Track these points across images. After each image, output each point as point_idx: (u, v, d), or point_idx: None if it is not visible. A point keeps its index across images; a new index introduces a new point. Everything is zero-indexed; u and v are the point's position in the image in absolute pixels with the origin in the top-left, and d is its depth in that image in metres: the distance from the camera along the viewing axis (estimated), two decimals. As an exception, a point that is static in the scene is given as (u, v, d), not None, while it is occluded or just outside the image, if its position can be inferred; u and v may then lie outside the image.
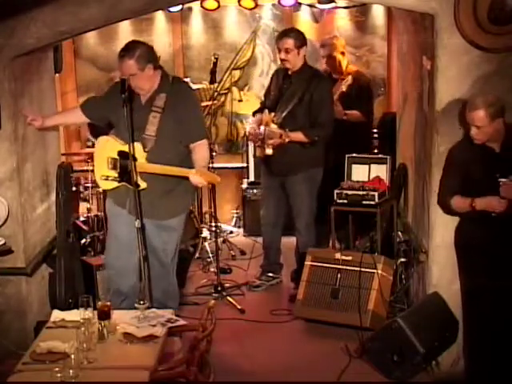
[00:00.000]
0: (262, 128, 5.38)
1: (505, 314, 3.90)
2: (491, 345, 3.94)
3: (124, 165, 4.22)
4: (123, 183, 4.27)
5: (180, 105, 4.25)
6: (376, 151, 6.54)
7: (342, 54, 6.16)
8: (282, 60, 5.40)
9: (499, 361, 3.92)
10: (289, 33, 5.45)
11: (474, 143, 3.88)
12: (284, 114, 5.33)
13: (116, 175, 4.30)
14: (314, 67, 5.73)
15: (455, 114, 4.13)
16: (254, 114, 5.75)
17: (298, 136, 5.28)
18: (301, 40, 5.36)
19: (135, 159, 4.13)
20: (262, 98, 5.94)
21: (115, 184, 4.32)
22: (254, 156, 6.58)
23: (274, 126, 5.33)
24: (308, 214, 5.49)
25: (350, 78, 5.94)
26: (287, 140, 5.20)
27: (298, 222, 5.53)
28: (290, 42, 5.31)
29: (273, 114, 5.38)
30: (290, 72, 5.42)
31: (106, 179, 4.35)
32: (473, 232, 4.01)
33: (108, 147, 4.34)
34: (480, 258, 3.94)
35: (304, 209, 5.46)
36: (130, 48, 4.18)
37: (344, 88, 5.91)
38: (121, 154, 4.24)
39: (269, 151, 5.36)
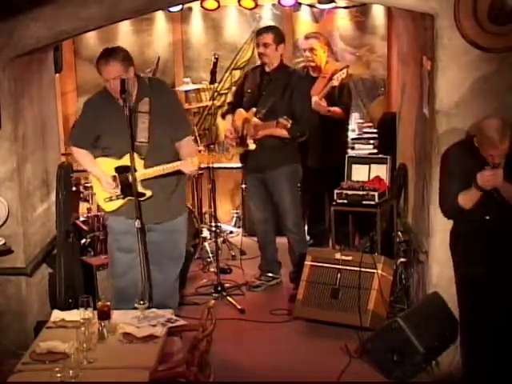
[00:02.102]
0: (240, 125, 5.46)
1: (502, 314, 3.90)
2: (488, 343, 3.94)
3: (124, 179, 4.19)
4: (128, 198, 4.21)
5: (165, 106, 4.23)
6: (376, 151, 6.57)
7: (324, 50, 6.14)
8: (259, 54, 5.47)
9: (497, 359, 3.93)
10: (268, 28, 5.60)
11: (476, 153, 3.86)
12: (265, 110, 5.37)
13: (119, 192, 4.25)
14: (291, 67, 5.86)
15: (455, 114, 4.13)
16: (224, 115, 5.79)
17: (281, 131, 5.32)
18: (280, 37, 5.46)
19: (135, 170, 4.11)
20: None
21: (120, 202, 4.26)
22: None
23: (257, 121, 5.38)
24: (294, 210, 5.53)
25: (345, 71, 5.93)
26: (289, 125, 5.21)
27: (286, 220, 5.56)
28: (268, 37, 5.39)
29: (254, 109, 5.41)
30: (267, 70, 5.47)
31: (110, 200, 4.28)
32: (467, 234, 4.02)
33: (103, 168, 4.27)
34: (474, 260, 3.96)
35: (289, 206, 5.49)
36: (112, 52, 4.14)
37: (336, 82, 5.89)
38: (118, 169, 4.21)
39: (252, 146, 5.40)
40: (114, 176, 4.23)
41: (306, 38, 6.18)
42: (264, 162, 5.43)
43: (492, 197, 3.82)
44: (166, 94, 4.34)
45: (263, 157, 5.41)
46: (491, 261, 3.89)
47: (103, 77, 4.13)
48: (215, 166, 5.97)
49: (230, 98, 6.95)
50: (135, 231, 4.14)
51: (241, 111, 5.54)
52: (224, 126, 5.73)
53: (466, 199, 3.90)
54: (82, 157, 4.38)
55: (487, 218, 3.91)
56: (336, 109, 5.99)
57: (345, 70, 5.93)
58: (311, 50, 6.06)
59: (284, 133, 5.31)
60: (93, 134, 4.28)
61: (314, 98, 5.76)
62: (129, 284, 4.29)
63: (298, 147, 5.55)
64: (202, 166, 4.19)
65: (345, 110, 6.08)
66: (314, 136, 5.68)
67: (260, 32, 5.54)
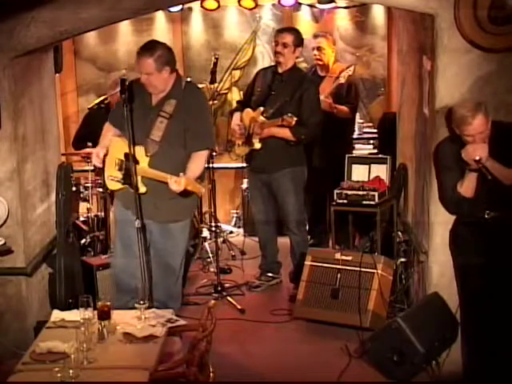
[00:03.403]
0: (247, 124, 5.44)
1: (501, 314, 3.91)
2: (489, 345, 3.94)
3: (128, 167, 4.21)
4: (126, 185, 4.27)
5: (188, 113, 4.24)
6: (376, 151, 6.57)
7: (332, 50, 6.14)
8: (276, 53, 5.44)
9: (497, 358, 3.93)
10: (290, 29, 5.62)
11: (463, 143, 3.88)
12: (273, 110, 5.35)
13: (121, 177, 4.30)
14: (303, 70, 5.88)
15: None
16: (232, 112, 5.77)
17: (286, 133, 5.30)
18: (299, 40, 5.44)
19: (137, 162, 4.14)
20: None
21: (119, 185, 4.33)
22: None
23: (263, 119, 5.37)
24: (297, 212, 5.52)
25: (352, 68, 5.94)
26: (293, 122, 5.16)
27: (288, 221, 5.56)
28: (289, 38, 5.38)
29: (261, 108, 5.40)
30: (280, 71, 5.46)
31: (113, 180, 4.36)
32: (466, 234, 4.03)
33: (118, 148, 4.31)
34: (474, 260, 3.96)
35: (292, 208, 5.49)
36: (150, 47, 4.20)
37: (343, 80, 5.90)
38: (126, 156, 4.23)
39: (257, 145, 5.39)
40: (122, 160, 4.27)
41: (315, 36, 6.19)
42: (269, 164, 5.42)
43: (487, 180, 3.81)
44: (195, 102, 4.31)
45: (268, 158, 5.39)
46: (491, 258, 3.89)
47: (137, 68, 4.23)
48: (215, 166, 5.97)
49: (236, 97, 6.97)
50: (130, 222, 4.22)
51: (248, 110, 5.51)
52: (232, 121, 5.68)
53: (465, 186, 3.91)
54: (103, 133, 4.48)
55: (487, 216, 3.91)
56: (342, 107, 5.98)
57: (352, 68, 5.95)
58: (319, 48, 6.07)
59: (288, 134, 5.30)
60: (121, 118, 4.26)
61: (321, 97, 5.77)
62: (122, 271, 4.34)
63: (304, 147, 5.55)
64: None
65: (351, 109, 6.07)
66: (319, 135, 5.69)
67: (281, 31, 5.54)
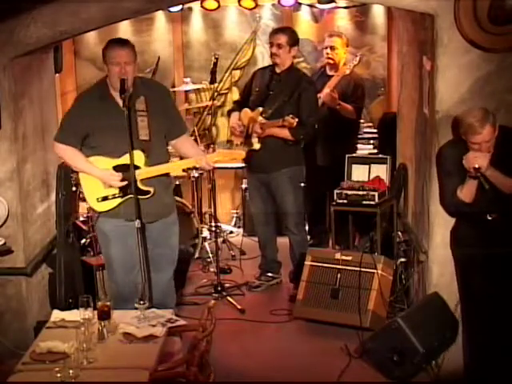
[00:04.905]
0: (245, 124, 5.45)
1: (503, 315, 3.91)
2: (490, 345, 3.94)
3: (126, 178, 4.05)
4: (128, 196, 4.08)
5: (161, 104, 4.24)
6: (376, 151, 6.57)
7: (344, 51, 6.14)
8: (272, 54, 5.45)
9: (498, 359, 3.93)
10: (284, 29, 5.59)
11: (465, 148, 3.88)
12: (271, 111, 5.35)
13: (116, 192, 4.11)
14: (301, 70, 5.87)
15: (455, 114, 4.13)
16: (230, 112, 5.77)
17: (285, 133, 5.31)
18: (294, 39, 5.44)
19: (138, 167, 4.07)
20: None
21: (118, 201, 4.13)
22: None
23: (263, 120, 5.37)
24: (296, 212, 5.52)
25: (358, 58, 5.94)
26: (295, 123, 5.16)
27: (287, 221, 5.56)
28: (283, 38, 5.38)
29: (260, 108, 5.39)
30: (278, 70, 5.46)
31: (105, 200, 4.13)
32: (468, 234, 4.03)
33: (98, 166, 4.13)
34: (475, 260, 3.96)
35: (291, 208, 5.49)
36: (126, 40, 4.27)
37: (348, 70, 5.90)
38: (116, 168, 4.09)
39: (256, 145, 5.39)
40: None
41: (330, 35, 6.17)
42: (268, 163, 5.42)
43: (485, 189, 3.81)
44: (160, 93, 4.33)
45: (267, 158, 5.39)
46: (492, 257, 3.89)
47: (115, 60, 4.12)
48: (215, 165, 5.95)
49: (236, 97, 6.95)
50: (134, 233, 4.00)
51: (247, 110, 5.51)
52: (231, 120, 5.66)
53: (464, 192, 3.92)
54: (72, 155, 4.17)
55: (489, 218, 3.92)
56: (346, 105, 5.97)
57: (357, 58, 5.94)
58: (332, 48, 6.06)
59: (287, 134, 5.30)
60: (82, 131, 4.12)
61: (326, 90, 5.77)
62: (129, 287, 4.22)
63: (307, 145, 5.54)
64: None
65: (356, 109, 6.06)
66: (323, 134, 5.67)
67: (275, 32, 5.53)
